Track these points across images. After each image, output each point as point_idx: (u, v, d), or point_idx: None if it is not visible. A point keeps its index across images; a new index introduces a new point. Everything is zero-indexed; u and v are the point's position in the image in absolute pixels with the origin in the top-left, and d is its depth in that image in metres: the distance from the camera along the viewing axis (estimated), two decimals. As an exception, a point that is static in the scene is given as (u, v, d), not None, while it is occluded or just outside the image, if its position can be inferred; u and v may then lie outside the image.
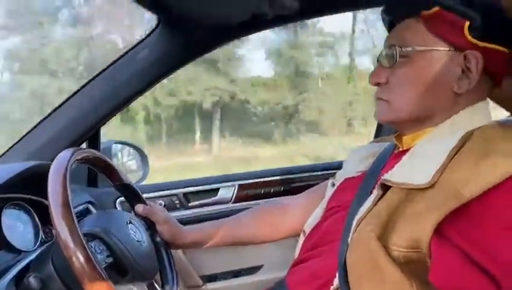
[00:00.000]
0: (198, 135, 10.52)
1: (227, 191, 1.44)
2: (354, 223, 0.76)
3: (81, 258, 0.69)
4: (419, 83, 0.79)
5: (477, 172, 0.66)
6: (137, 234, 0.91)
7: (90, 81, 1.25)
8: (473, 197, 0.64)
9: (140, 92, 1.26)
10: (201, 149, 10.31)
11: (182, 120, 10.45)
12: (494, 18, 0.76)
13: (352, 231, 0.76)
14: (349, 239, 0.76)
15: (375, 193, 0.77)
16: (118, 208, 1.36)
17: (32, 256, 0.90)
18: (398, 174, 0.76)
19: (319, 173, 1.49)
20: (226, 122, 10.57)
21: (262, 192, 1.45)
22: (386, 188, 0.76)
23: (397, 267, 0.67)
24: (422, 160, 0.75)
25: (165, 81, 1.44)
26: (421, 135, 0.83)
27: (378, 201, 0.75)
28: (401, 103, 0.82)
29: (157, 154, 9.15)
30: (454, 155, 0.71)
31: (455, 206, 0.64)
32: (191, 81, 10.04)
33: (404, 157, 0.80)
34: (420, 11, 0.78)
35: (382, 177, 0.77)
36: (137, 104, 9.41)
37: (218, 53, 9.47)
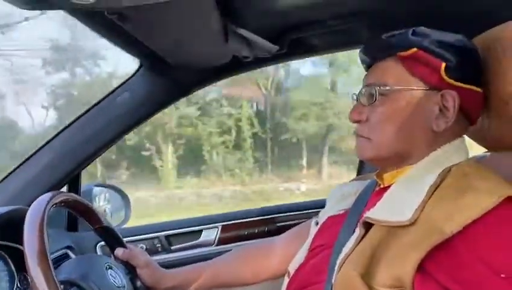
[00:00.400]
0: (305, 160, 10.39)
1: (210, 233, 1.42)
2: (338, 262, 0.75)
3: None
4: (398, 121, 0.80)
5: (457, 208, 0.67)
6: (117, 279, 0.89)
7: (70, 124, 1.24)
8: (454, 233, 0.64)
9: (120, 134, 1.26)
10: (309, 175, 10.17)
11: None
12: (469, 60, 0.79)
13: (336, 271, 0.75)
14: (333, 280, 0.75)
15: (358, 231, 0.77)
16: (99, 253, 1.32)
17: (7, 305, 0.86)
18: (380, 212, 0.76)
19: (303, 211, 1.48)
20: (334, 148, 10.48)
21: (246, 233, 1.43)
22: (368, 226, 0.76)
23: None
24: (402, 197, 0.76)
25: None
26: (401, 172, 0.84)
27: (361, 240, 0.75)
28: (381, 140, 0.83)
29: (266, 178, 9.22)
30: (434, 192, 0.72)
31: (436, 242, 0.64)
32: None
33: (385, 195, 0.80)
34: (397, 52, 0.80)
35: (364, 215, 0.77)
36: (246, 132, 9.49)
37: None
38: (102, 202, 1.52)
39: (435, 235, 0.65)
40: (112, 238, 1.03)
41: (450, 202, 0.69)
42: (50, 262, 0.70)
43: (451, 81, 0.77)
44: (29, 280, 1.01)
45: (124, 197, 1.51)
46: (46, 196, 0.81)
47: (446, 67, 0.77)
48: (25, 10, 0.62)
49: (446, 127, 0.79)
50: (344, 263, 0.74)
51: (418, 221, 0.69)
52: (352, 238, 0.78)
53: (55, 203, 0.83)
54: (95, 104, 1.24)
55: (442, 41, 0.78)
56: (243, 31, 0.92)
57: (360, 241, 0.75)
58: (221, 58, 1.03)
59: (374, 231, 0.74)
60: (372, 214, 0.76)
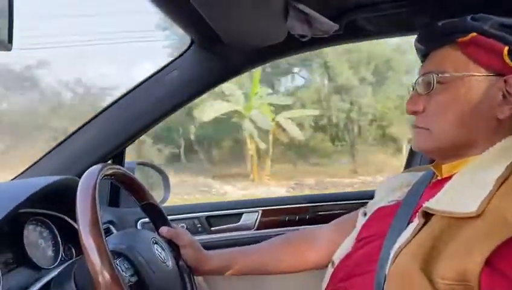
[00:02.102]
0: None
1: (250, 217, 1.41)
2: (392, 253, 0.73)
3: (108, 278, 0.67)
4: (459, 109, 0.77)
5: None
6: (162, 254, 0.88)
7: (119, 99, 1.24)
8: None
9: (168, 113, 1.25)
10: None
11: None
12: None
13: (390, 261, 0.73)
14: (387, 271, 0.72)
15: (416, 221, 0.74)
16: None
17: (52, 274, 0.87)
18: (442, 201, 0.73)
19: (346, 202, 1.45)
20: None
21: (286, 219, 1.41)
22: (427, 217, 0.72)
23: None
24: (468, 188, 0.72)
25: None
26: (463, 163, 0.80)
27: (419, 230, 0.72)
28: (442, 130, 0.79)
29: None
30: (502, 184, 0.69)
31: (506, 237, 0.61)
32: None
33: (447, 185, 0.77)
34: (456, 37, 0.77)
35: (424, 205, 0.74)
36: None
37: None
38: (143, 180, 1.54)
39: (504, 230, 0.62)
40: (157, 216, 1.03)
41: None
42: (102, 232, 0.70)
43: None
44: (74, 250, 1.04)
45: (164, 177, 1.52)
46: (97, 167, 0.81)
47: (509, 51, 0.73)
48: None
49: (510, 113, 0.75)
50: (400, 253, 0.71)
51: (485, 213, 0.66)
52: (409, 229, 0.75)
53: (106, 175, 0.83)
54: (144, 81, 1.23)
55: (504, 24, 0.75)
56: (304, 7, 0.89)
57: (418, 232, 0.72)
58: (277, 36, 1.01)
59: (434, 222, 0.71)
60: (433, 204, 0.73)
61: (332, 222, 1.13)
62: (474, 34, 0.75)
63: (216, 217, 1.40)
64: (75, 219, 0.72)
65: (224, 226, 1.40)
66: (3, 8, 0.54)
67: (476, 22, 0.76)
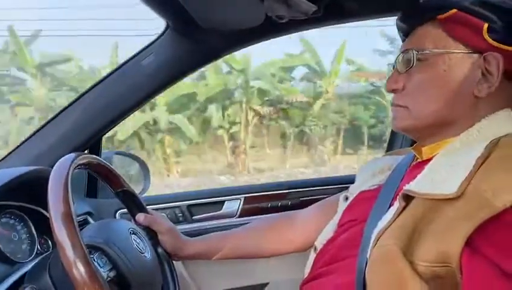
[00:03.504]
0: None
1: (232, 204, 1.39)
2: (373, 236, 0.73)
3: (83, 272, 0.64)
4: (438, 86, 0.77)
5: (508, 181, 0.63)
6: (140, 244, 0.87)
7: (93, 86, 1.21)
8: (506, 207, 0.61)
9: (146, 99, 1.23)
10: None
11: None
12: None
13: (371, 245, 0.72)
14: (368, 254, 0.72)
15: (396, 204, 0.73)
16: (118, 220, 1.30)
17: (28, 267, 0.85)
18: (422, 184, 0.72)
19: (328, 187, 1.45)
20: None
21: (268, 206, 1.40)
22: (408, 199, 0.72)
23: (424, 283, 0.63)
24: (447, 169, 0.72)
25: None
26: (442, 145, 0.80)
27: (400, 213, 0.71)
28: (420, 108, 0.79)
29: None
30: (482, 164, 0.68)
31: (487, 216, 0.61)
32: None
33: (427, 167, 0.76)
34: (436, 15, 0.76)
35: (404, 188, 0.73)
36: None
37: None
38: (121, 170, 1.51)
39: (485, 209, 0.62)
40: (133, 203, 1.01)
41: (500, 174, 0.65)
42: (76, 224, 0.67)
43: (495, 43, 0.73)
44: (50, 243, 1.01)
45: (143, 166, 1.49)
46: (70, 156, 0.78)
47: (489, 28, 0.72)
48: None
49: (489, 92, 0.75)
50: (381, 237, 0.71)
51: (465, 194, 0.65)
52: (390, 212, 0.74)
53: (79, 165, 0.80)
54: (119, 67, 1.20)
55: (485, 1, 0.74)
56: (280, -12, 0.87)
57: (399, 215, 0.71)
58: (255, 19, 0.98)
59: (415, 204, 0.70)
60: (414, 187, 0.73)
61: (314, 205, 1.12)
62: (455, 10, 0.74)
63: (198, 206, 1.38)
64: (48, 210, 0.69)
65: (206, 215, 1.38)
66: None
67: None
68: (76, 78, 10.06)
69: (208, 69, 9.42)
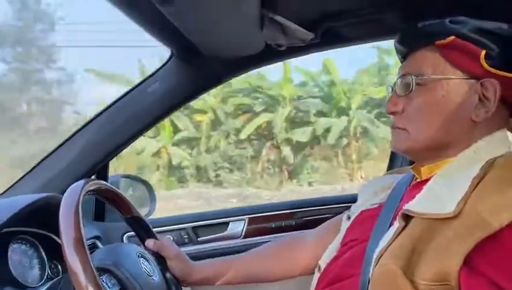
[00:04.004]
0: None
1: (236, 225, 1.41)
2: (375, 256, 0.74)
3: None
4: (436, 111, 0.79)
5: (504, 201, 0.65)
6: (148, 268, 0.88)
7: (100, 113, 1.24)
8: (502, 226, 0.62)
9: (151, 125, 1.26)
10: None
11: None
12: (510, 47, 0.76)
13: (373, 264, 0.73)
14: (370, 273, 0.73)
15: (396, 224, 0.75)
16: (126, 243, 1.32)
17: (39, 292, 0.86)
18: (420, 204, 0.74)
19: (332, 206, 1.46)
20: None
21: (273, 226, 1.42)
22: (407, 219, 0.73)
23: None
24: (444, 190, 0.74)
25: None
26: (440, 165, 0.81)
27: (400, 233, 0.73)
28: (419, 131, 0.81)
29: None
30: (477, 184, 0.70)
31: (484, 236, 0.62)
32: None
33: (425, 187, 0.78)
34: (435, 40, 0.78)
35: (404, 208, 0.75)
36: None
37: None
38: (128, 194, 1.53)
39: (481, 229, 0.63)
40: (142, 229, 1.03)
41: (496, 194, 0.66)
42: (87, 249, 0.69)
43: (492, 69, 0.75)
44: (60, 268, 1.03)
45: (150, 189, 1.51)
46: (80, 183, 0.81)
47: (486, 55, 0.74)
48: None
49: (486, 117, 0.77)
50: (382, 256, 0.72)
51: (462, 214, 0.67)
52: (390, 231, 0.76)
53: (89, 191, 0.83)
54: (125, 94, 1.23)
55: (482, 28, 0.76)
56: (279, 18, 0.91)
57: (399, 235, 0.73)
58: (255, 46, 1.02)
59: (414, 224, 0.72)
60: (413, 206, 0.74)
61: (318, 227, 1.13)
62: (453, 37, 0.76)
63: (203, 227, 1.40)
64: (60, 236, 0.72)
65: (211, 236, 1.39)
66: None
67: (455, 25, 0.77)
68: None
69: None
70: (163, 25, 0.87)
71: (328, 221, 1.13)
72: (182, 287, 1.03)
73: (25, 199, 0.95)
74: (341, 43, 1.20)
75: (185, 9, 0.77)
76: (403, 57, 0.88)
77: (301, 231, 1.18)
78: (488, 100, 0.76)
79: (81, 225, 0.72)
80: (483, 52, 0.74)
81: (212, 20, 0.85)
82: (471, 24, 0.77)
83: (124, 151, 1.31)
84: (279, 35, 0.96)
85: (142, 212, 1.45)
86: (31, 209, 0.94)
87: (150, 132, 9.93)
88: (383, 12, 1.04)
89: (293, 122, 11.73)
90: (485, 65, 0.75)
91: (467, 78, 0.77)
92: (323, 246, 0.99)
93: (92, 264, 0.68)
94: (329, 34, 1.06)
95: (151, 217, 1.47)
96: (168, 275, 1.00)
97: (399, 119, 0.83)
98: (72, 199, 0.76)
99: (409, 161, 1.37)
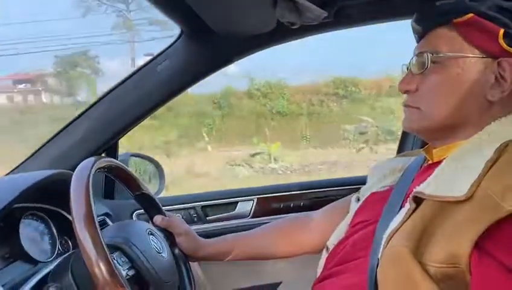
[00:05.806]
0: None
1: (245, 205, 1.41)
2: (385, 237, 0.74)
3: (104, 270, 0.67)
4: (451, 89, 0.77)
5: None
6: (158, 245, 0.89)
7: (110, 91, 1.24)
8: None
9: (160, 103, 1.25)
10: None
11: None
12: None
13: (382, 246, 0.73)
14: (380, 255, 0.73)
15: (407, 206, 0.74)
16: (135, 221, 1.33)
17: (50, 267, 0.88)
18: (432, 186, 0.73)
19: (340, 187, 1.46)
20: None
21: (281, 206, 1.42)
22: (418, 201, 0.73)
23: (434, 284, 0.65)
24: (457, 172, 0.73)
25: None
26: (452, 147, 0.80)
27: (411, 215, 0.72)
28: (433, 109, 0.80)
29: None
30: (491, 167, 0.69)
31: (495, 219, 0.62)
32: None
33: (437, 170, 0.77)
34: (452, 18, 0.77)
35: (414, 190, 0.75)
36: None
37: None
38: (137, 172, 1.54)
39: (493, 212, 0.62)
40: (151, 206, 1.04)
41: (509, 177, 0.66)
42: (97, 225, 0.70)
43: (510, 49, 0.73)
44: (71, 243, 1.04)
45: (159, 168, 1.52)
46: (91, 160, 0.82)
47: (505, 34, 0.73)
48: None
49: (502, 96, 0.76)
50: (392, 238, 0.72)
51: (474, 197, 0.66)
52: (401, 213, 0.75)
53: (99, 168, 0.83)
54: (135, 72, 1.23)
55: (502, 6, 0.74)
56: (292, -6, 0.89)
57: (409, 216, 0.72)
58: (267, 24, 1.00)
59: (425, 206, 0.72)
60: (424, 189, 0.74)
61: (324, 207, 1.14)
62: (471, 15, 0.75)
63: (211, 207, 1.41)
64: (70, 212, 0.72)
65: (220, 215, 1.40)
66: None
67: (473, 3, 0.76)
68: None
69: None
70: (173, 2, 0.86)
71: (334, 202, 1.13)
72: (190, 263, 1.04)
73: (35, 175, 0.96)
74: (354, 22, 1.18)
75: None
76: (420, 36, 0.86)
77: (308, 212, 1.18)
78: (504, 80, 0.75)
79: (92, 201, 0.73)
80: (502, 30, 0.73)
81: None
82: (491, 2, 0.75)
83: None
84: (292, 13, 0.94)
85: (151, 190, 1.47)
86: (41, 186, 0.95)
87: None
88: None
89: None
90: (504, 44, 0.73)
91: (484, 57, 0.76)
92: (329, 227, 1.00)
93: (102, 240, 0.69)
94: (342, 12, 1.04)
95: (160, 195, 1.48)
96: (176, 251, 1.02)
97: (412, 98, 0.82)
98: (82, 175, 0.76)
99: (420, 143, 1.36)
